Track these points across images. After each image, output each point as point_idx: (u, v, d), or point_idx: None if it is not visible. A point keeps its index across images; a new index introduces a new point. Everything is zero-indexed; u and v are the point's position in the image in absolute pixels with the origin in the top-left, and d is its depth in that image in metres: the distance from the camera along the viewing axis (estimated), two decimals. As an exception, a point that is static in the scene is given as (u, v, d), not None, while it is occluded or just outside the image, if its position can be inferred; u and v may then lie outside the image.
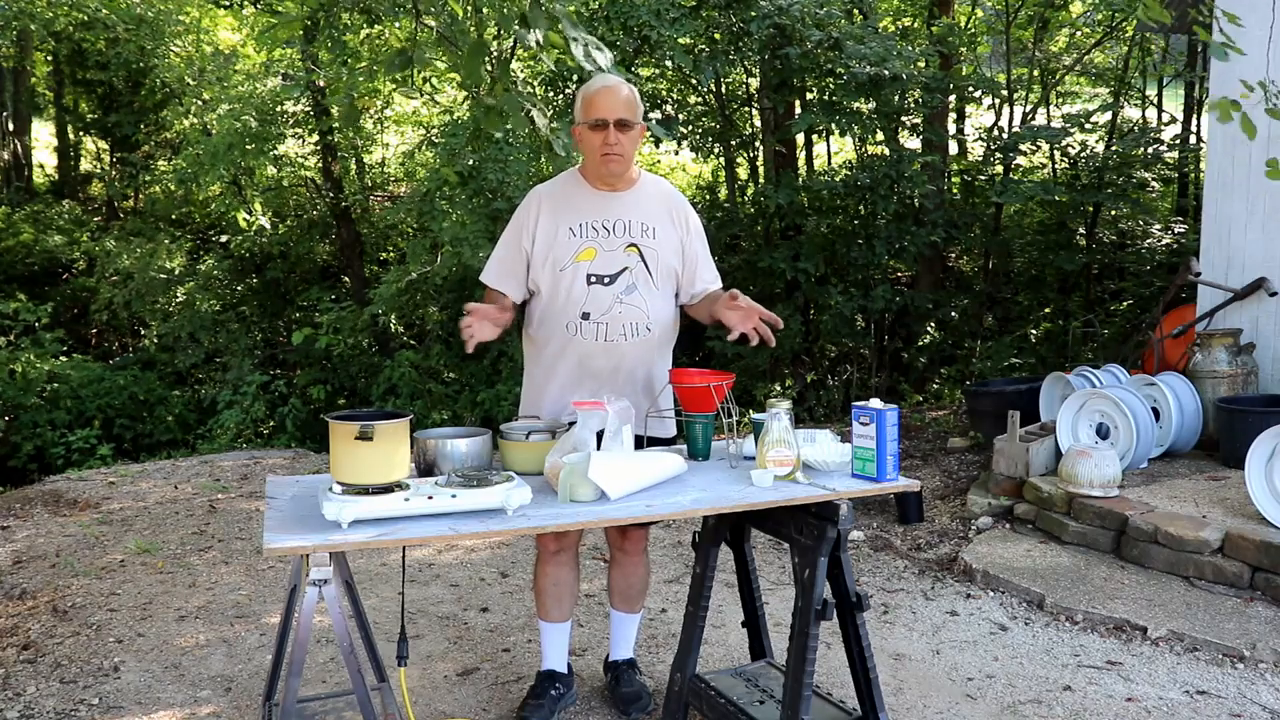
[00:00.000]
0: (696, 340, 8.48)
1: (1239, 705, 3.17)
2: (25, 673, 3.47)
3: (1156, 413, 5.14)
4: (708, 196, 10.84)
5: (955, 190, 9.62)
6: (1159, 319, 6.19)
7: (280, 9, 9.70)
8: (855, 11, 8.91)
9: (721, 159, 9.87)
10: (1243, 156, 5.62)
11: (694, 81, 8.97)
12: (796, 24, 7.68)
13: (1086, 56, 10.12)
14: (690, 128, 9.16)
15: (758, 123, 9.90)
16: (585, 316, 2.81)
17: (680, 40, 8.05)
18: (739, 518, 2.77)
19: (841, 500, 2.38)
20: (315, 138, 10.52)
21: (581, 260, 2.81)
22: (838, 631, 2.60)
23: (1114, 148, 9.09)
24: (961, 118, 10.80)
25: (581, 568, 3.28)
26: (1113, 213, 9.14)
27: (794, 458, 2.46)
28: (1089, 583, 4.06)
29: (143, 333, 11.63)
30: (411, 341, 10.19)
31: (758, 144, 9.81)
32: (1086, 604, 3.86)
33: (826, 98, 8.26)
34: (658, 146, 10.96)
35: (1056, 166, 9.71)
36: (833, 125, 8.50)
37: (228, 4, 11.28)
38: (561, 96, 8.36)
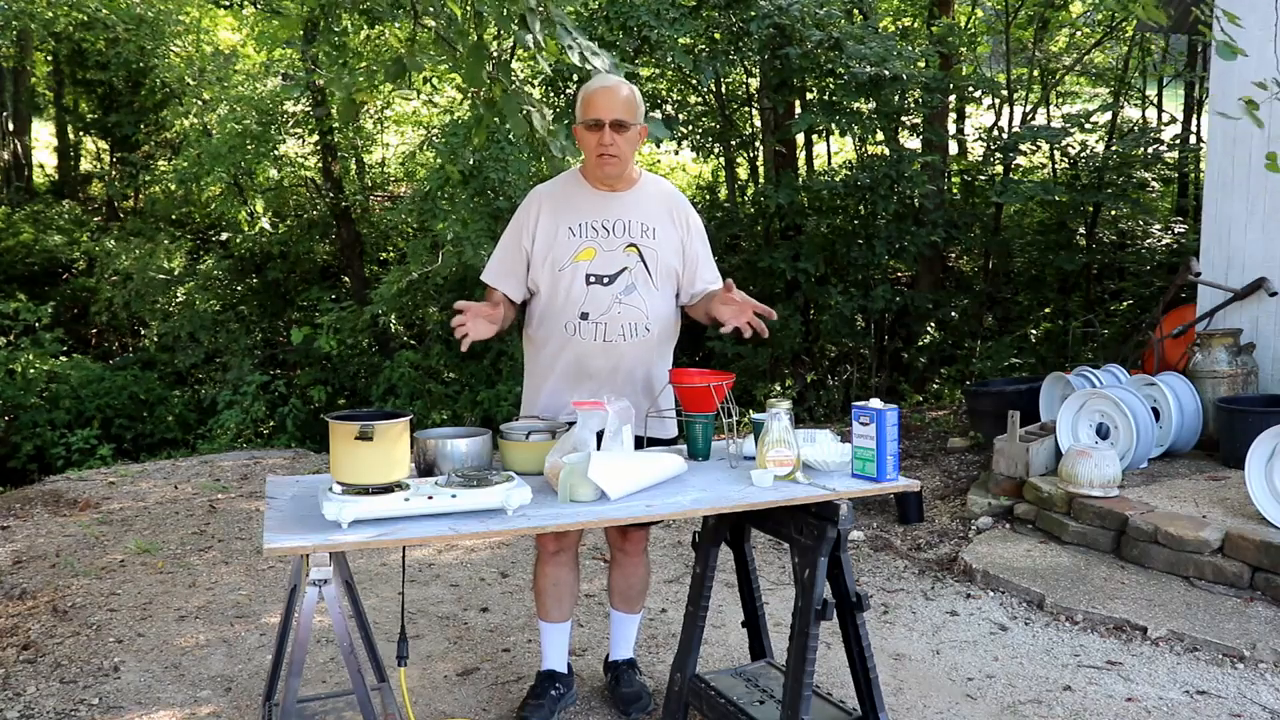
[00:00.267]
0: (696, 340, 8.49)
1: (1239, 705, 3.17)
2: (25, 673, 3.47)
3: (1156, 413, 5.14)
4: (708, 196, 10.84)
5: (955, 190, 9.62)
6: (1159, 319, 6.19)
7: (280, 9, 9.70)
8: (855, 11, 8.91)
9: (721, 159, 9.87)
10: (1243, 156, 5.62)
11: (694, 81, 8.97)
12: (796, 24, 7.68)
13: (1086, 56, 10.13)
14: (690, 128, 9.16)
15: (758, 123, 9.90)
16: (584, 316, 2.81)
17: (680, 40, 8.05)
18: (739, 518, 2.77)
19: (841, 500, 2.38)
20: (315, 138, 10.53)
21: (581, 260, 2.81)
22: (838, 631, 2.60)
23: (1114, 148, 9.09)
24: (961, 118, 10.80)
25: (581, 568, 3.28)
26: (1113, 213, 9.14)
27: (794, 458, 2.46)
28: (1089, 583, 4.06)
29: (143, 333, 11.63)
30: (411, 341, 10.20)
31: (758, 144, 9.81)
32: (1086, 604, 3.86)
33: (826, 98, 8.26)
34: (658, 146, 10.96)
35: (1056, 166, 9.72)
36: (833, 125, 8.51)
37: (228, 4, 11.29)
38: (562, 97, 8.36)
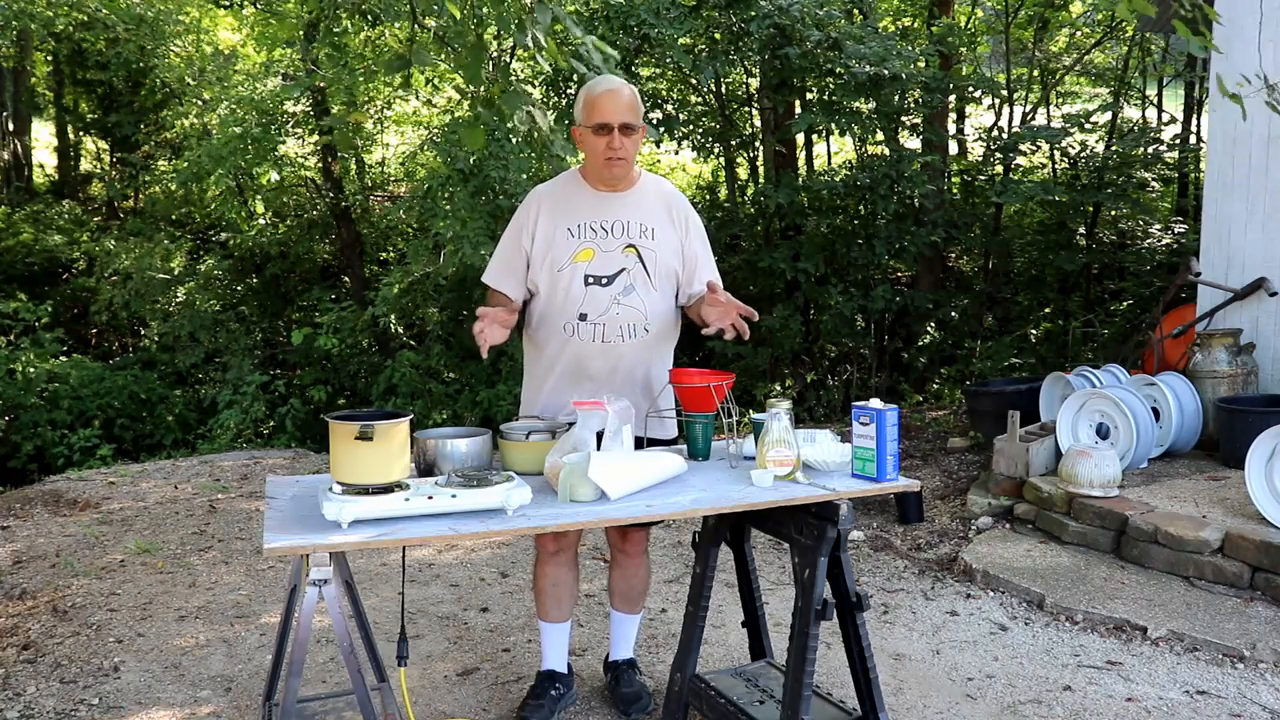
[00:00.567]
0: (696, 340, 8.48)
1: (1239, 705, 3.17)
2: (25, 673, 3.47)
3: (1156, 413, 5.14)
4: (708, 196, 10.84)
5: (955, 190, 9.62)
6: (1159, 319, 6.19)
7: (280, 9, 9.70)
8: (855, 11, 8.91)
9: (721, 159, 9.87)
10: (1243, 156, 5.62)
11: (694, 81, 8.97)
12: (796, 24, 7.68)
13: (1086, 56, 10.13)
14: (690, 128, 9.16)
15: (758, 123, 9.90)
16: (583, 317, 2.81)
17: (680, 40, 8.05)
18: (739, 518, 2.77)
19: (841, 500, 2.38)
20: (315, 138, 10.53)
21: (579, 261, 2.81)
22: (838, 631, 2.60)
23: (1114, 148, 9.09)
24: (961, 118, 10.80)
25: (581, 568, 3.28)
26: (1113, 213, 9.14)
27: (794, 458, 2.46)
28: (1089, 583, 4.06)
29: (143, 333, 11.64)
30: (411, 342, 10.20)
31: (758, 144, 9.81)
32: (1086, 604, 3.86)
33: (826, 98, 8.26)
34: (658, 146, 10.97)
35: (1056, 166, 9.72)
36: (833, 125, 8.51)
37: (228, 4, 11.29)
38: (563, 98, 8.36)
